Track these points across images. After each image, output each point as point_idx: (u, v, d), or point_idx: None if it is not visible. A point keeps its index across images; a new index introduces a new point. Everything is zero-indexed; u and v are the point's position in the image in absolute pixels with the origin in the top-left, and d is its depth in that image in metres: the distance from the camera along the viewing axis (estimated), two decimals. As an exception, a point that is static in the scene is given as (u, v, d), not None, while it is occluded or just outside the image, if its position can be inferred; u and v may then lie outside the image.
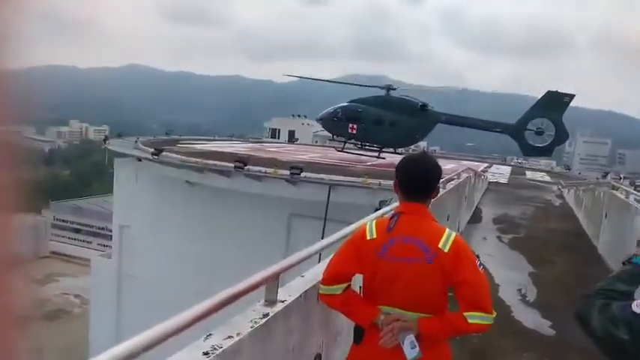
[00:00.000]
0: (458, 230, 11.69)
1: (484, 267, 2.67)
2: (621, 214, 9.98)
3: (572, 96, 28.71)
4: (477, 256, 2.67)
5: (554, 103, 28.32)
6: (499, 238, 12.62)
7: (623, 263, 2.04)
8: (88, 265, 37.90)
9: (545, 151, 29.46)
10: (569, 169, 49.18)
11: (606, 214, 11.41)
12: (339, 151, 32.23)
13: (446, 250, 2.56)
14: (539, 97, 29.75)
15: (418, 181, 2.73)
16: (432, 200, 2.85)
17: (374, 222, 2.78)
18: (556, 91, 28.68)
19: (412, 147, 44.77)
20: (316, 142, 52.74)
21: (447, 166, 27.97)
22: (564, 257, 10.94)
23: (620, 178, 35.89)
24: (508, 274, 9.08)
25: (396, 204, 3.10)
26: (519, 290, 8.23)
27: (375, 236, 2.68)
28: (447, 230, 2.66)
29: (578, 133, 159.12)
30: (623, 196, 10.39)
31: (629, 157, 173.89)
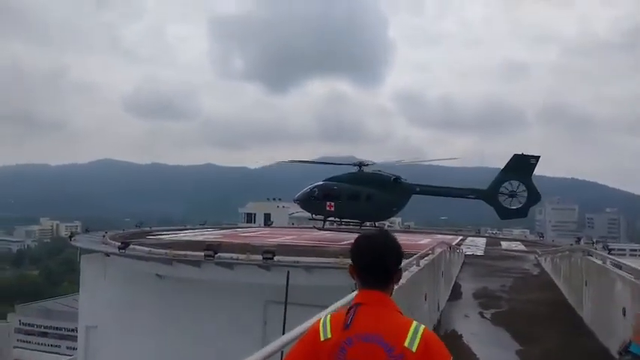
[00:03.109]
0: (437, 309, 11.20)
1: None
2: (601, 281, 9.71)
3: (537, 157, 29.60)
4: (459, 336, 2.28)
5: (522, 165, 29.16)
6: (481, 314, 12.13)
7: (620, 354, 1.69)
8: (52, 372, 35.29)
9: (521, 213, 29.83)
10: (542, 237, 49.56)
11: (586, 282, 11.13)
12: (318, 229, 32.03)
13: (413, 349, 2.17)
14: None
15: (375, 266, 2.38)
16: (395, 286, 2.50)
17: (328, 317, 2.38)
18: (522, 154, 29.60)
19: (387, 223, 44.79)
20: (292, 223, 52.46)
21: (422, 241, 27.87)
22: (550, 331, 10.46)
23: (593, 243, 36.21)
24: (495, 354, 8.57)
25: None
26: (508, 372, 7.69)
27: (329, 336, 2.28)
28: (414, 323, 2.26)
29: (546, 201, 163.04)
30: (600, 262, 10.16)
31: (597, 221, 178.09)
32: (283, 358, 2.42)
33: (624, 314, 7.87)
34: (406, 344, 2.17)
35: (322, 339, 2.28)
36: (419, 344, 2.17)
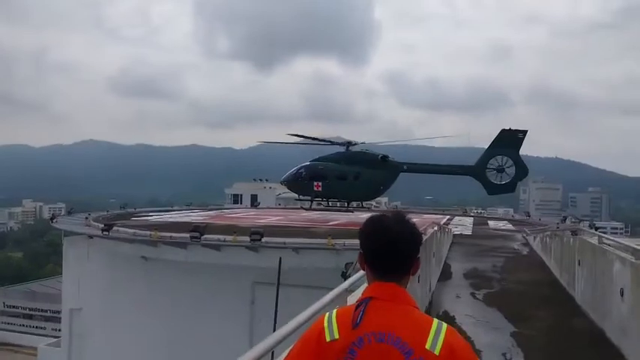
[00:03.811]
0: (429, 290, 11.00)
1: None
2: (597, 261, 9.54)
3: (525, 132, 29.37)
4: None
5: (510, 139, 28.96)
6: (473, 294, 11.96)
7: None
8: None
9: (508, 188, 29.81)
10: (529, 216, 49.82)
11: (579, 262, 10.97)
12: (306, 210, 31.79)
13: (436, 351, 1.84)
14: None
15: (389, 251, 2.01)
16: (412, 277, 2.15)
17: (334, 314, 2.03)
18: (510, 129, 29.35)
19: (373, 203, 44.60)
20: (279, 204, 52.19)
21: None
22: (543, 311, 10.33)
23: (580, 221, 36.48)
24: (489, 337, 8.36)
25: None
26: (504, 355, 7.48)
27: (336, 336, 1.93)
28: (436, 322, 1.92)
29: (530, 180, 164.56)
30: (595, 242, 9.98)
31: (580, 200, 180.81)
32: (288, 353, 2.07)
33: (622, 295, 7.69)
34: (427, 346, 1.84)
35: (328, 339, 1.94)
36: (442, 346, 1.85)
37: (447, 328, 1.91)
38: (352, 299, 4.06)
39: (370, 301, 1.97)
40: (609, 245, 9.30)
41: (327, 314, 2.04)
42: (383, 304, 1.96)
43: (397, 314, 1.94)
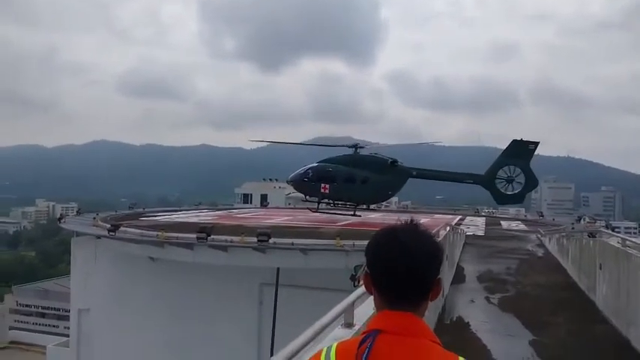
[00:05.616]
0: (442, 295, 10.54)
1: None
2: (620, 265, 9.03)
3: (536, 143, 28.99)
4: None
5: (521, 150, 28.51)
6: (487, 299, 11.48)
7: None
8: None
9: (517, 199, 29.42)
10: (542, 216, 49.03)
11: (601, 265, 10.45)
12: (313, 211, 31.50)
13: None
14: (499, 147, 30.06)
15: (405, 275, 1.60)
16: (431, 303, 1.73)
17: (333, 350, 1.61)
18: (521, 140, 28.92)
19: (384, 203, 44.19)
20: (289, 204, 51.91)
21: (420, 221, 27.10)
22: (563, 317, 9.83)
23: (595, 221, 35.72)
24: (507, 345, 7.90)
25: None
26: (524, 366, 7.02)
27: None
28: None
29: (542, 180, 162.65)
30: (618, 245, 9.46)
31: (592, 199, 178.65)
32: None
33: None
34: None
35: None
36: None
37: None
38: (359, 313, 3.65)
39: (378, 335, 1.55)
40: (633, 249, 8.81)
41: (325, 350, 1.62)
42: (394, 339, 1.54)
43: (412, 351, 1.52)
